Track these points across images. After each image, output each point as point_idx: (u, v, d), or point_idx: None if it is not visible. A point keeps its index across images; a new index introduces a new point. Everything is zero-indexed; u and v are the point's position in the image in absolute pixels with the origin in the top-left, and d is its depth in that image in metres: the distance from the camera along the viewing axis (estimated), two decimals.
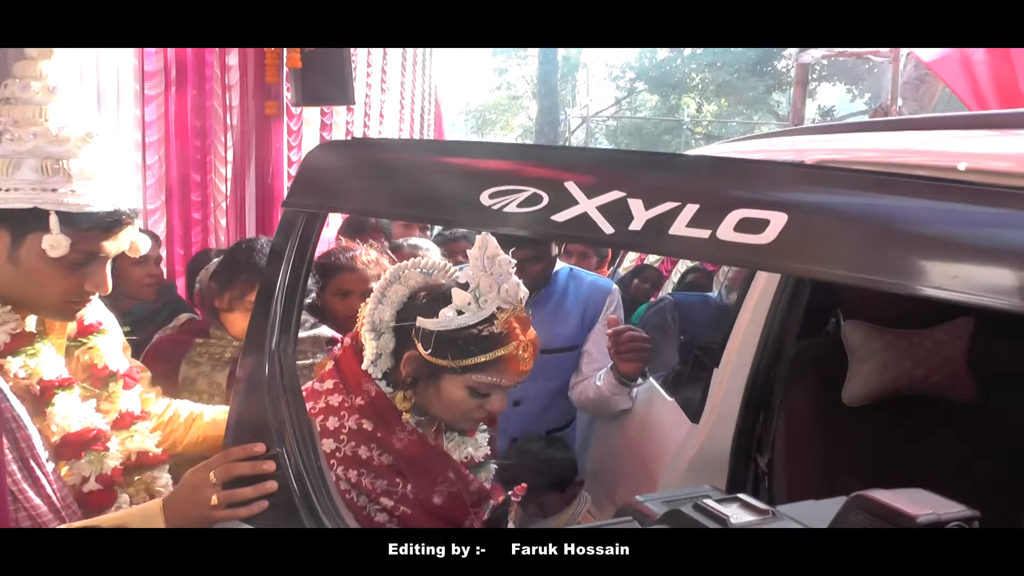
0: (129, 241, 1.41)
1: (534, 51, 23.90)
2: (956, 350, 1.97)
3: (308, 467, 1.16)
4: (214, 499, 1.21)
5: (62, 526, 1.25)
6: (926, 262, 0.71)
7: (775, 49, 21.90)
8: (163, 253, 3.48)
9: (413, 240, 3.29)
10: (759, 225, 0.76)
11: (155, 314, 2.84)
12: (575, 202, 0.82)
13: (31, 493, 1.26)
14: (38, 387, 1.36)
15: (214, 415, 1.79)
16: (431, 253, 3.15)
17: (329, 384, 1.47)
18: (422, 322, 1.39)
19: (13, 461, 1.25)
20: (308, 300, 2.42)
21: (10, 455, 1.24)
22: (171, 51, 3.97)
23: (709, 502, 0.95)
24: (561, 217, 0.82)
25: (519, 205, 0.84)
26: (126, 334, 1.69)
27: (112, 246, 1.37)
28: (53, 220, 1.27)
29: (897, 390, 1.96)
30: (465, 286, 1.39)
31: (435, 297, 1.43)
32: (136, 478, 1.49)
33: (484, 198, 0.86)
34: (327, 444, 1.39)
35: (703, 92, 25.00)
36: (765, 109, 24.12)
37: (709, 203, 0.79)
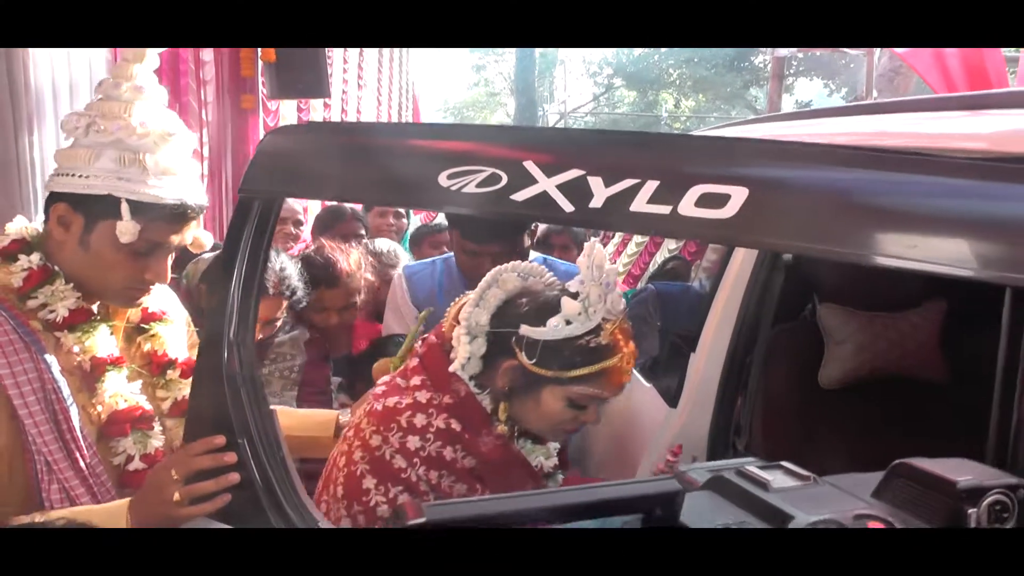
0: (192, 236, 1.45)
1: (512, 48, 23.90)
2: (930, 332, 1.99)
3: (271, 458, 1.14)
4: (176, 496, 1.19)
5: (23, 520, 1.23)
6: (886, 232, 0.71)
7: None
8: None
9: (379, 243, 3.23)
10: (720, 200, 0.76)
11: None
12: (534, 181, 0.81)
13: (65, 465, 1.30)
14: (89, 363, 1.39)
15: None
16: (400, 254, 3.11)
17: (416, 380, 1.44)
18: (527, 331, 1.36)
19: (50, 431, 1.29)
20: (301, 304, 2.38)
21: (47, 425, 1.28)
22: None
23: (752, 468, 0.94)
24: (520, 196, 0.81)
25: (478, 185, 0.83)
26: None
27: (176, 238, 1.42)
28: (124, 208, 1.33)
29: (873, 372, 1.98)
30: (575, 295, 1.37)
31: (539, 305, 1.40)
32: None
33: (442, 179, 0.85)
34: (412, 441, 1.36)
35: (681, 88, 25.13)
36: (743, 104, 24.26)
37: (669, 179, 0.78)
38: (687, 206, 0.77)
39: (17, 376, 1.28)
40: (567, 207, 0.80)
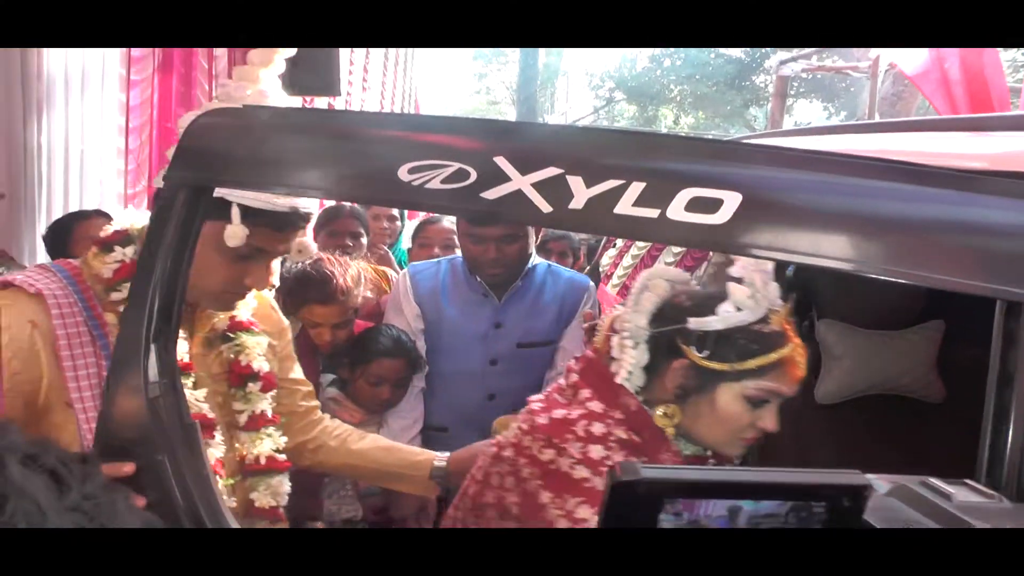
0: (297, 243, 1.44)
1: (514, 57, 23.91)
2: (927, 351, 1.94)
3: (192, 475, 1.03)
4: None
5: None
6: (882, 243, 0.65)
7: (753, 64, 22.11)
8: None
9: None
10: (712, 205, 0.70)
11: None
12: (507, 179, 0.74)
13: None
14: None
15: (364, 445, 1.77)
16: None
17: (585, 393, 1.34)
18: (697, 323, 1.26)
19: None
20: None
21: None
22: None
23: (935, 480, 0.92)
24: (492, 195, 0.74)
25: (443, 181, 0.76)
26: None
27: (281, 246, 1.40)
28: (235, 211, 1.29)
29: (869, 389, 1.94)
30: (739, 281, 1.28)
31: (703, 298, 1.32)
32: (261, 480, 1.50)
33: (402, 173, 0.77)
34: (595, 451, 1.25)
35: (681, 104, 25.14)
36: (742, 123, 24.28)
37: (658, 181, 0.72)
38: (676, 210, 0.70)
39: (78, 369, 1.27)
40: (544, 208, 0.73)
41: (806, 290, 2.02)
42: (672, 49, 24.34)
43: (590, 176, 0.73)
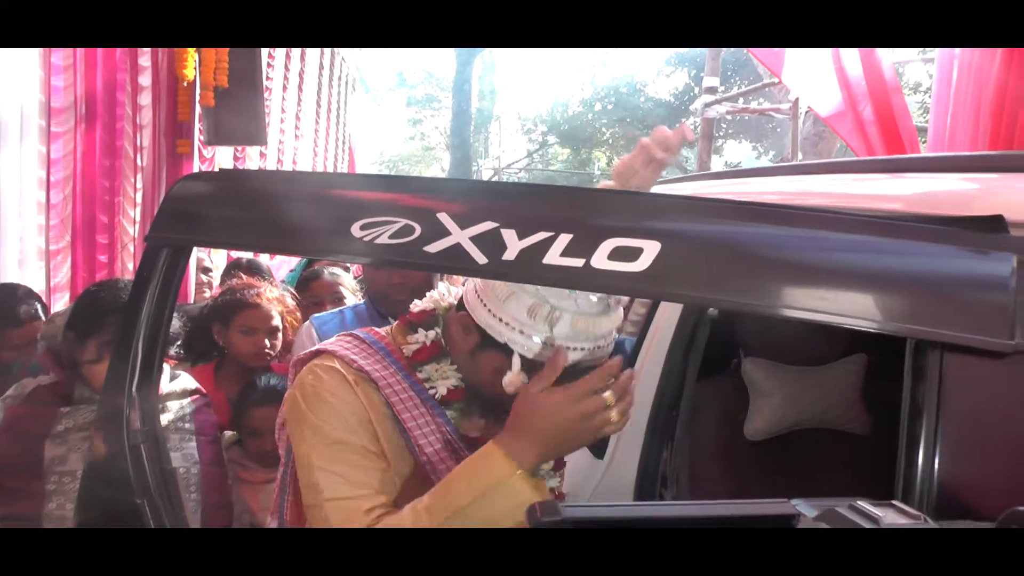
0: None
1: (448, 102, 24.16)
2: (852, 385, 2.02)
3: (172, 519, 1.07)
4: None
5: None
6: (795, 286, 0.72)
7: (682, 107, 22.75)
8: (42, 314, 3.22)
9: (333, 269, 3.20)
10: (633, 253, 0.77)
11: (35, 368, 2.67)
12: (448, 233, 0.81)
13: None
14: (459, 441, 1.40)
15: None
16: (346, 277, 3.08)
17: None
18: None
19: None
20: (209, 338, 2.45)
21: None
22: (80, 88, 3.84)
23: (863, 504, 0.94)
24: (434, 248, 0.81)
25: (391, 236, 0.82)
26: None
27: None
28: (516, 360, 1.27)
29: (797, 424, 2.00)
30: None
31: None
32: None
33: (355, 229, 0.84)
34: None
35: (613, 146, 25.67)
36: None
37: (582, 233, 0.79)
38: (600, 259, 0.77)
39: (422, 427, 1.31)
40: (480, 259, 0.79)
41: (731, 330, 2.09)
42: (602, 93, 24.91)
43: (522, 229, 0.79)
